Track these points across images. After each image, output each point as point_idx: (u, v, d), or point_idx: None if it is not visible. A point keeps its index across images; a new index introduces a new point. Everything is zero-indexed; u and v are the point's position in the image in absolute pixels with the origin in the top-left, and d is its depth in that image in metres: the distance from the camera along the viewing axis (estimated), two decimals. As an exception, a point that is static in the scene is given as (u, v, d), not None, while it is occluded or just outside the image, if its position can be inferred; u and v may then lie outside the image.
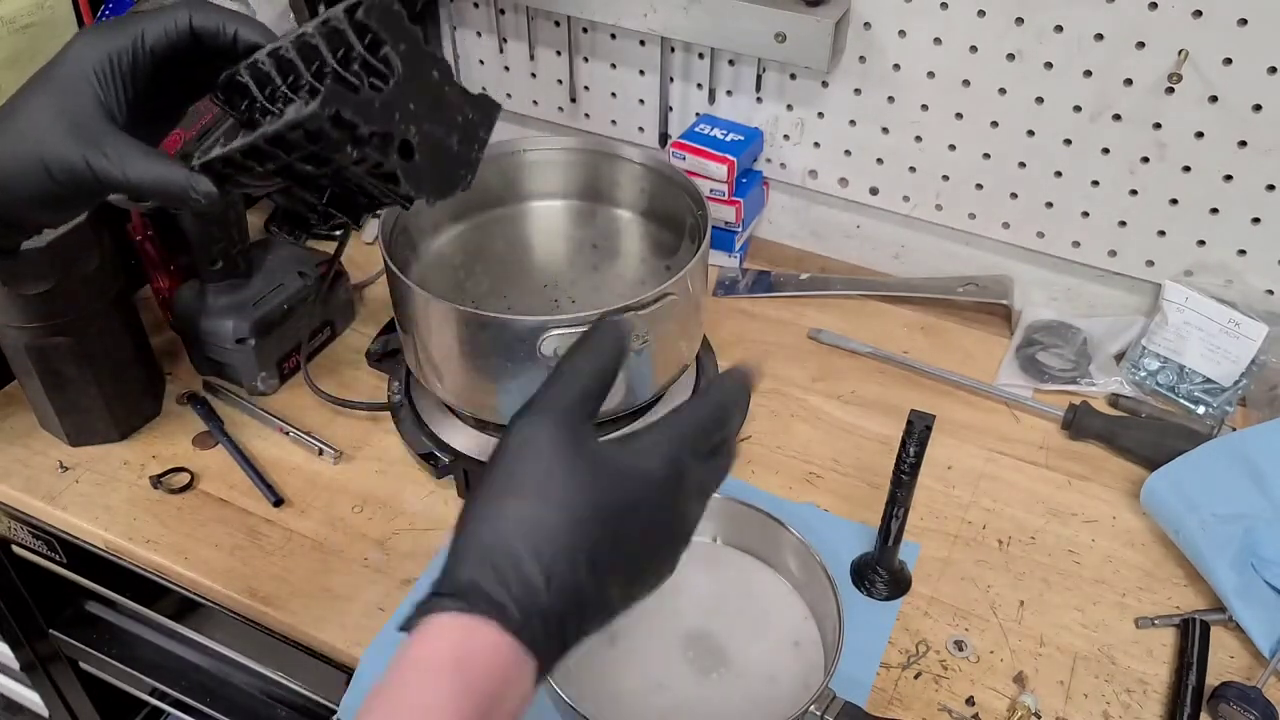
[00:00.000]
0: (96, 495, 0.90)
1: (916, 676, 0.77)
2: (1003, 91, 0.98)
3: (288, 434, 0.94)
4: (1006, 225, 1.07)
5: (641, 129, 1.20)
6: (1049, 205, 1.03)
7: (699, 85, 1.13)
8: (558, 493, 0.45)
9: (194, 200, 0.54)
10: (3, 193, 0.54)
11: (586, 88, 1.20)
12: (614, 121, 1.22)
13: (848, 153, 1.10)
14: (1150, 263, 1.02)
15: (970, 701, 0.75)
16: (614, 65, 1.16)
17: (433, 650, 0.42)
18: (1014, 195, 1.04)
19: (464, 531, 0.46)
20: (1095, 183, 1.00)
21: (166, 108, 0.59)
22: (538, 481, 0.45)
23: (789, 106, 1.10)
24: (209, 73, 0.57)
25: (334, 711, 0.80)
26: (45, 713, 1.32)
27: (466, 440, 0.90)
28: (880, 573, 0.82)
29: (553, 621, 0.44)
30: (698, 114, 1.15)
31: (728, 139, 1.09)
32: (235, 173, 0.55)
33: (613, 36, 1.14)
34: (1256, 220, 0.95)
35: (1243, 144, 0.92)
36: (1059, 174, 1.01)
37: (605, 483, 0.45)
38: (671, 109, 1.17)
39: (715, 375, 0.49)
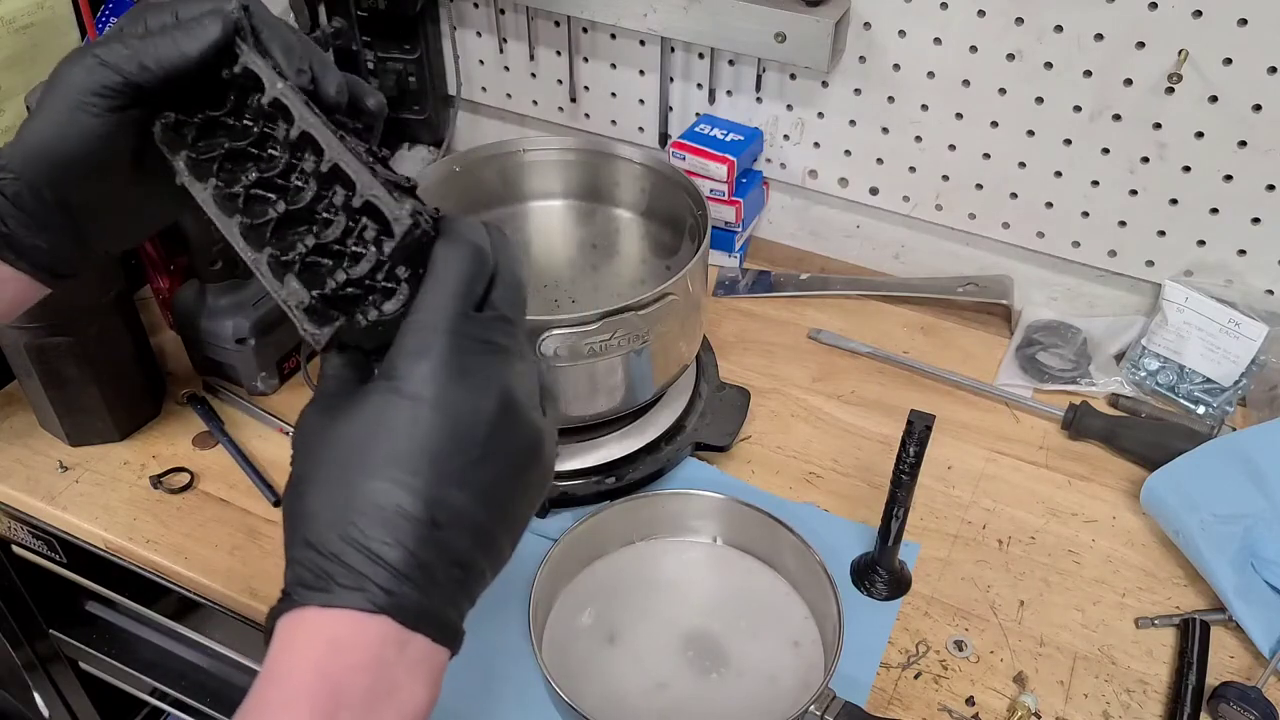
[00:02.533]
0: (96, 495, 0.90)
1: (916, 676, 0.77)
2: (1003, 91, 0.98)
3: (288, 434, 0.94)
4: (1006, 225, 1.07)
5: (641, 129, 1.20)
6: (1049, 205, 1.03)
7: (699, 85, 1.13)
8: (352, 458, 0.41)
9: (229, 13, 0.49)
10: (62, 166, 0.50)
11: (586, 88, 1.20)
12: (614, 121, 1.22)
13: (848, 153, 1.10)
14: (1150, 263, 1.02)
15: (970, 701, 0.75)
16: (614, 65, 1.16)
17: (291, 659, 0.39)
18: (1014, 195, 1.04)
19: (289, 533, 0.42)
20: (1095, 183, 1.00)
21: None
22: (324, 457, 0.42)
23: (789, 106, 1.10)
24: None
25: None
26: (46, 713, 1.32)
27: (466, 440, 0.90)
28: (880, 573, 0.82)
29: (421, 581, 0.40)
30: (698, 114, 1.15)
31: (728, 139, 1.09)
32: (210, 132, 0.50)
33: (613, 36, 1.14)
34: (1256, 220, 0.95)
35: (1243, 144, 0.92)
36: (1059, 174, 1.01)
37: (392, 424, 0.41)
38: (671, 109, 1.17)
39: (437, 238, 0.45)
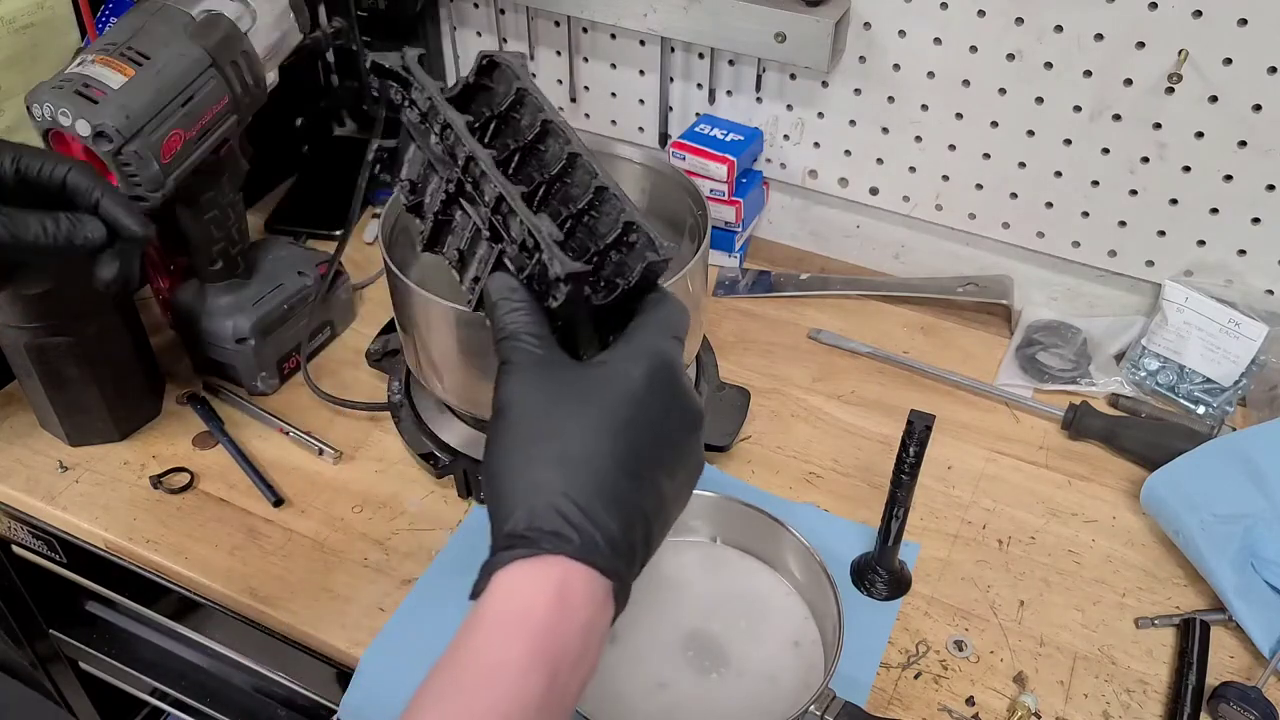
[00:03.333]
0: (96, 495, 0.90)
1: (916, 676, 0.77)
2: (1003, 91, 0.98)
3: (288, 434, 0.94)
4: (1006, 225, 1.07)
5: (641, 129, 1.20)
6: (1049, 205, 1.03)
7: (699, 85, 1.13)
8: (566, 423, 0.46)
9: (85, 240, 0.61)
10: None
11: (586, 88, 1.20)
12: (614, 121, 1.22)
13: (848, 153, 1.10)
14: (1150, 263, 1.02)
15: (970, 701, 0.75)
16: (614, 65, 1.16)
17: (502, 604, 0.44)
18: (1014, 195, 1.04)
19: (496, 494, 0.47)
20: (1095, 183, 1.00)
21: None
22: (543, 423, 0.47)
23: (789, 106, 1.10)
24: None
25: (334, 711, 0.80)
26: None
27: (466, 440, 0.90)
28: (880, 573, 0.82)
29: (616, 538, 0.45)
30: (698, 114, 1.15)
31: (728, 139, 1.09)
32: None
33: (613, 36, 1.14)
34: (1256, 220, 0.95)
35: (1243, 144, 0.92)
36: (1059, 174, 1.01)
37: (604, 396, 0.47)
38: (671, 109, 1.17)
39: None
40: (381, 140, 0.60)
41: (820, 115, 1.09)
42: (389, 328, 1.03)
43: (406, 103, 0.58)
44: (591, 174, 0.52)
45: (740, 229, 1.13)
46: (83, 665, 1.17)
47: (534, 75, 1.22)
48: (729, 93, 1.13)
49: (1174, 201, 0.97)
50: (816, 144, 1.12)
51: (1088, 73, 0.94)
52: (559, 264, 0.48)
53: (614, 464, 0.46)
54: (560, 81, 1.20)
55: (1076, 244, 1.04)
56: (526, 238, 0.51)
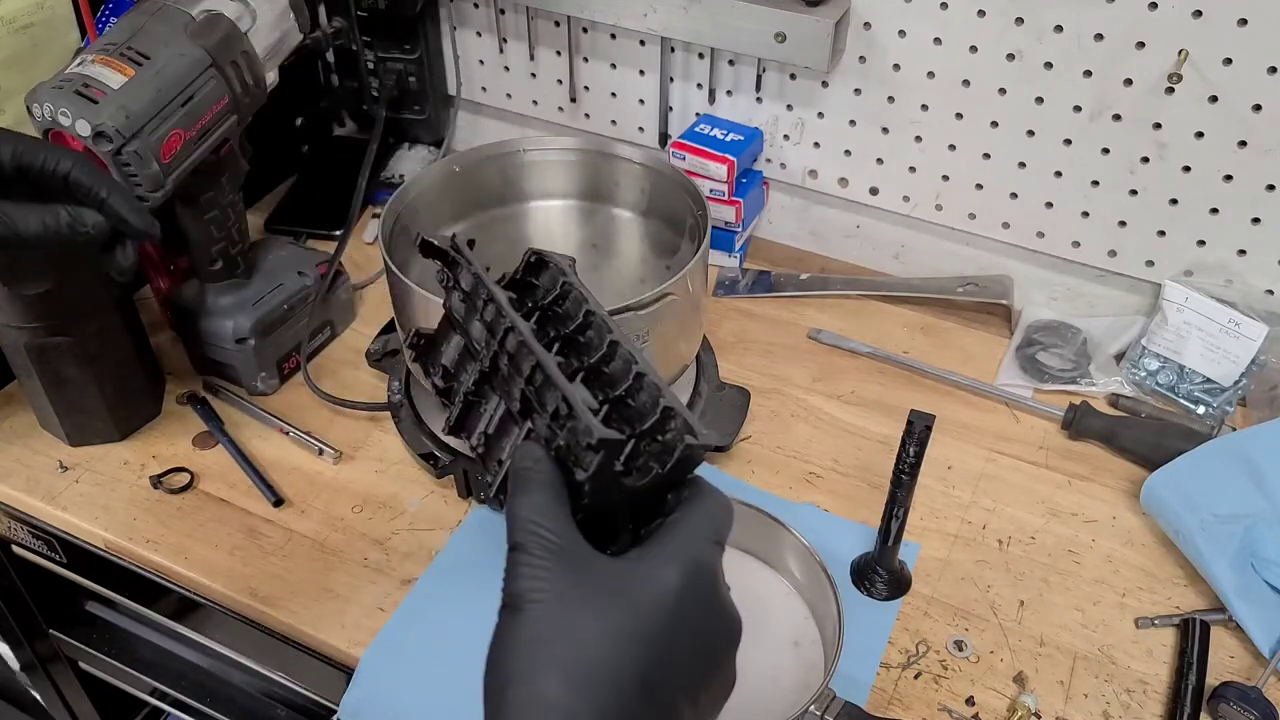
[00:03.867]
0: (96, 495, 0.90)
1: (916, 676, 0.77)
2: (1003, 91, 0.98)
3: (288, 434, 0.94)
4: (1006, 225, 1.07)
5: (641, 129, 1.20)
6: (1049, 205, 1.03)
7: (699, 85, 1.13)
8: (586, 628, 0.40)
9: (84, 233, 0.62)
10: None
11: (586, 88, 1.20)
12: (614, 121, 1.22)
13: (848, 153, 1.10)
14: (1150, 263, 1.02)
15: (970, 701, 0.75)
16: (614, 65, 1.16)
17: None
18: (1014, 195, 1.04)
19: (498, 706, 0.40)
20: (1095, 183, 1.00)
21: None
22: (558, 625, 0.41)
23: (789, 106, 1.10)
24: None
25: (334, 711, 0.80)
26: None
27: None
28: (880, 573, 0.82)
29: None
30: (698, 114, 1.15)
31: (728, 139, 1.09)
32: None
33: (613, 36, 1.14)
34: (1256, 220, 0.95)
35: (1243, 144, 0.92)
36: (1059, 174, 1.01)
37: (632, 600, 0.41)
38: (671, 109, 1.17)
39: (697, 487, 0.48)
40: (420, 326, 0.59)
41: (820, 115, 1.09)
42: (389, 328, 1.03)
43: (451, 283, 0.57)
44: (631, 361, 0.50)
45: (740, 229, 1.13)
46: (83, 665, 1.17)
47: (533, 75, 1.22)
48: (729, 93, 1.13)
49: (1174, 201, 0.97)
50: (816, 144, 1.12)
51: (1088, 73, 0.94)
52: (592, 429, 0.44)
53: (635, 683, 0.40)
54: (560, 81, 1.20)
55: (1076, 244, 1.04)
56: (560, 405, 0.47)
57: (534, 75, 1.22)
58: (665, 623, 0.41)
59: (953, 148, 1.04)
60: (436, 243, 0.56)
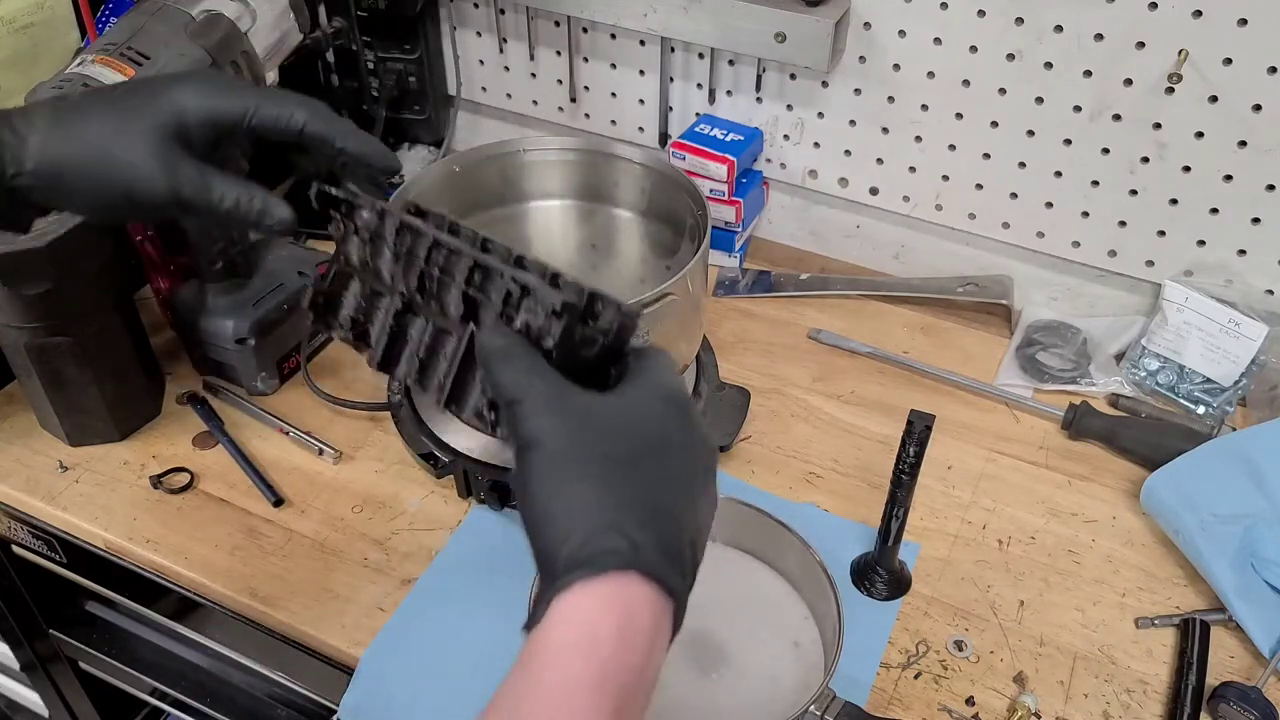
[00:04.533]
0: (96, 495, 0.90)
1: (916, 676, 0.77)
2: (1003, 91, 0.98)
3: (288, 434, 0.94)
4: (1006, 225, 1.07)
5: (641, 129, 1.20)
6: (1049, 205, 1.03)
7: (699, 85, 1.13)
8: (601, 445, 0.46)
9: (268, 226, 0.58)
10: (69, 198, 0.56)
11: (586, 88, 1.20)
12: (614, 121, 1.22)
13: (848, 153, 1.10)
14: (1150, 263, 1.02)
15: (970, 701, 0.75)
16: (614, 65, 1.16)
17: (565, 630, 0.43)
18: (1014, 195, 1.04)
19: (543, 523, 0.45)
20: (1095, 183, 1.00)
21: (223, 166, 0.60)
22: (578, 448, 0.46)
23: (789, 106, 1.10)
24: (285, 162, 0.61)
25: (334, 711, 0.80)
26: (45, 713, 1.32)
27: (466, 440, 0.90)
28: (880, 573, 0.82)
29: (674, 553, 0.45)
30: (698, 114, 1.15)
31: (728, 139, 1.09)
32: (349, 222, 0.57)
33: (613, 36, 1.14)
34: (1256, 220, 0.95)
35: (1243, 144, 0.92)
36: (1059, 174, 1.01)
37: (632, 419, 0.47)
38: (671, 109, 1.16)
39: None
40: (315, 285, 0.60)
41: (820, 115, 1.09)
42: (389, 328, 1.03)
43: (349, 230, 0.58)
44: (544, 266, 0.52)
45: (740, 229, 1.13)
46: (83, 665, 1.17)
47: (533, 75, 1.22)
48: (729, 93, 1.13)
49: (1174, 201, 0.97)
50: (816, 144, 1.12)
51: (1088, 73, 0.94)
52: (551, 297, 0.48)
53: (658, 481, 0.46)
54: (560, 81, 1.20)
55: (1076, 244, 1.04)
56: (512, 288, 0.51)
57: (534, 75, 1.22)
58: (665, 433, 0.47)
59: (953, 148, 1.04)
60: (334, 191, 0.57)
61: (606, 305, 0.50)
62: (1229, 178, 0.94)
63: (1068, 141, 0.98)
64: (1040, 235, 1.05)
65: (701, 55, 1.11)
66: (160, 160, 0.56)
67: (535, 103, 1.24)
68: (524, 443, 0.46)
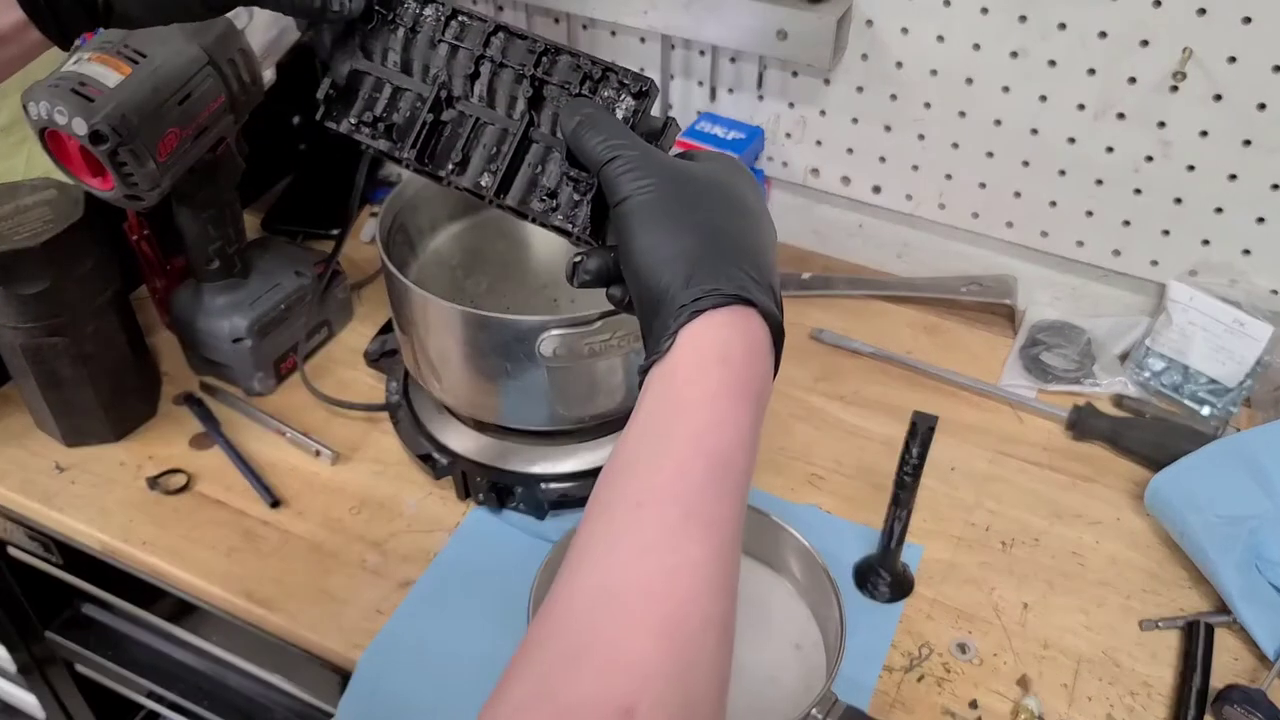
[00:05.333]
0: (93, 496, 0.89)
1: (919, 679, 0.76)
2: (1006, 89, 0.98)
3: (285, 435, 0.94)
4: (1010, 224, 1.06)
5: (642, 127, 1.20)
6: (1053, 204, 1.03)
7: (700, 83, 1.13)
8: (700, 200, 0.50)
9: (333, 14, 0.58)
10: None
11: (586, 86, 1.19)
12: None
13: (850, 151, 1.10)
14: (1154, 262, 1.01)
15: (974, 705, 0.75)
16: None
17: (696, 350, 0.46)
18: (1017, 194, 1.04)
19: (658, 268, 0.48)
20: (1099, 181, 0.99)
21: None
22: (679, 203, 0.50)
23: (790, 104, 1.10)
24: None
25: (331, 715, 0.80)
26: (42, 715, 1.32)
27: (465, 441, 0.89)
28: (883, 575, 0.81)
29: (774, 287, 0.49)
30: (699, 112, 1.14)
31: (729, 137, 1.08)
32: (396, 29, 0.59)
33: (612, 34, 1.14)
34: (1261, 220, 0.95)
35: (1247, 143, 0.91)
36: (1063, 173, 1.00)
37: (715, 177, 0.52)
38: (672, 107, 1.16)
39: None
40: (329, 81, 0.60)
41: (822, 113, 1.09)
42: (387, 328, 1.03)
43: (389, 21, 0.59)
44: (574, 52, 0.57)
45: (741, 228, 1.12)
46: (79, 668, 1.16)
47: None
48: (730, 90, 1.12)
49: (1178, 200, 0.97)
50: (818, 142, 1.11)
51: (1091, 71, 0.93)
52: (633, 71, 0.55)
53: (748, 231, 0.50)
54: (560, 80, 1.20)
55: (1080, 243, 1.04)
56: (589, 67, 0.56)
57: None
58: (740, 196, 0.52)
59: (956, 146, 1.04)
60: None
61: (618, 75, 0.56)
62: (1234, 177, 0.93)
63: (1071, 140, 0.98)
64: (1044, 234, 1.05)
65: (702, 53, 1.10)
66: None
67: (535, 101, 1.24)
68: (623, 198, 0.50)
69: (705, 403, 0.45)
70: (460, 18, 0.58)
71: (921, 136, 1.05)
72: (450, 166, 0.59)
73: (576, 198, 0.57)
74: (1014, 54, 0.96)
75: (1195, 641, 0.77)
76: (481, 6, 1.18)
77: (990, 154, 1.03)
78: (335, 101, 0.60)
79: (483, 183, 0.58)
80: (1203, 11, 0.86)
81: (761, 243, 0.51)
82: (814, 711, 0.68)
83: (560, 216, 0.57)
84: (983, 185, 1.05)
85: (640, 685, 0.37)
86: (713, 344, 0.46)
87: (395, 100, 0.59)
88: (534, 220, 0.58)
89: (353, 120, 0.60)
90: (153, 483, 0.89)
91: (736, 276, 0.47)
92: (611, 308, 0.55)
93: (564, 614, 0.40)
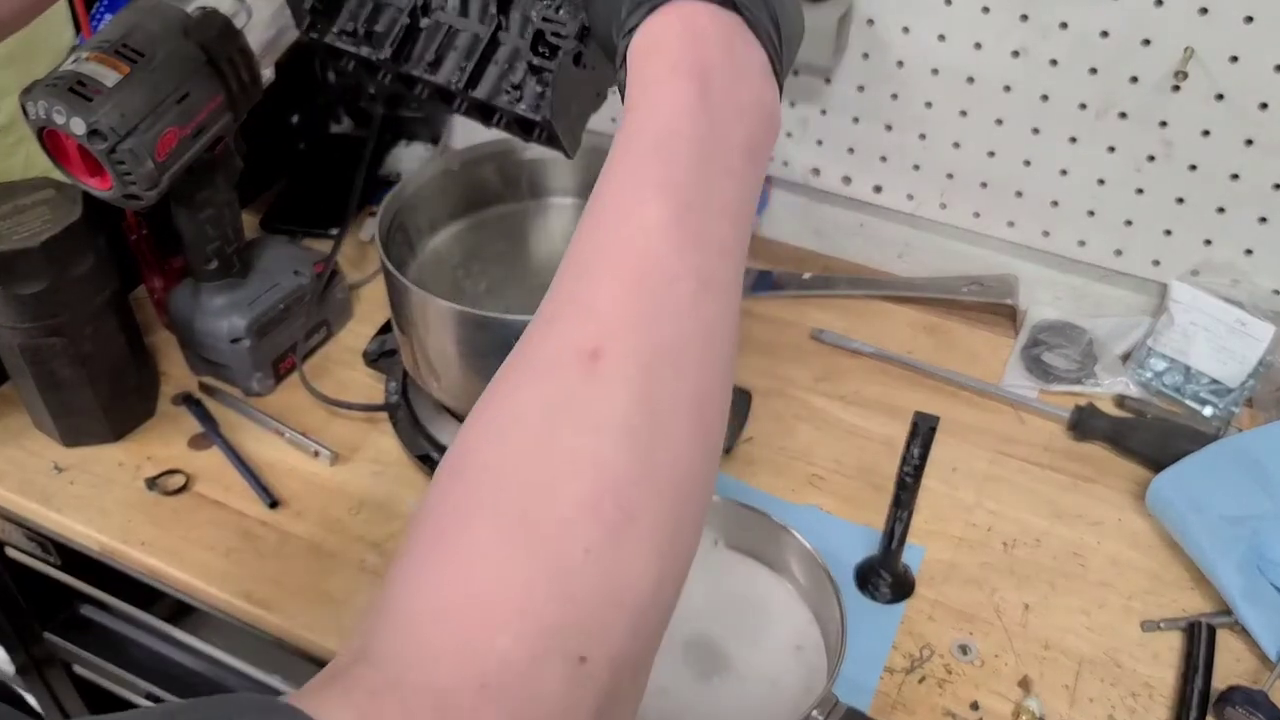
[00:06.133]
0: (91, 497, 0.89)
1: (920, 681, 0.76)
2: (1007, 89, 0.98)
3: (283, 435, 0.93)
4: (1011, 224, 1.06)
5: (642, 127, 1.19)
6: (1054, 204, 1.02)
7: (700, 83, 1.12)
8: None
9: None
10: None
11: (586, 85, 1.19)
12: (614, 119, 1.21)
13: (851, 150, 1.10)
14: (1156, 262, 1.01)
15: (975, 706, 0.74)
16: (614, 63, 1.15)
17: (661, 38, 0.43)
18: (1019, 194, 1.03)
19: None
20: (1101, 181, 0.99)
21: None
22: None
23: (791, 103, 1.09)
24: None
25: (331, 716, 0.79)
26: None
27: (465, 441, 0.89)
28: (884, 576, 0.81)
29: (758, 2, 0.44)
30: (698, 112, 1.14)
31: (729, 137, 1.08)
32: None
33: (613, 33, 1.13)
34: (1263, 220, 0.94)
35: (1249, 142, 0.91)
36: (1064, 172, 1.00)
37: None
38: (672, 107, 1.15)
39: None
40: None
41: (823, 112, 1.08)
42: (386, 328, 1.02)
43: None
44: None
45: (741, 228, 1.12)
46: (77, 669, 1.16)
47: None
48: (730, 90, 1.12)
49: (1180, 200, 0.97)
50: (819, 141, 1.11)
51: (1093, 70, 0.93)
52: None
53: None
54: (560, 79, 1.19)
55: (1082, 243, 1.03)
56: None
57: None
58: None
59: (957, 145, 1.03)
60: None
61: None
62: (1236, 176, 0.93)
63: (1073, 139, 0.98)
64: (1046, 234, 1.05)
65: (702, 52, 1.10)
66: None
67: (535, 101, 1.23)
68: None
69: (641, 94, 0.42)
70: None
71: (923, 136, 1.05)
72: (424, 65, 0.63)
73: (539, 89, 0.60)
74: (1015, 53, 0.95)
75: (1197, 642, 0.77)
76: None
77: (991, 153, 1.02)
78: (320, 14, 0.64)
79: (453, 80, 0.62)
80: (1204, 11, 0.86)
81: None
82: (815, 713, 0.67)
83: (525, 105, 0.60)
84: (984, 185, 1.05)
85: (605, 330, 0.37)
86: (673, 48, 0.43)
87: (377, 14, 0.64)
88: (500, 118, 0.62)
89: (335, 30, 0.64)
90: (151, 483, 0.89)
91: None
92: None
93: (549, 289, 0.41)
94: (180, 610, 0.96)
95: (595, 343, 0.36)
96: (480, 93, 0.63)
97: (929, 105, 1.02)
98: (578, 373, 0.36)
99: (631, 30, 0.44)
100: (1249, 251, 0.97)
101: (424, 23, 0.64)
